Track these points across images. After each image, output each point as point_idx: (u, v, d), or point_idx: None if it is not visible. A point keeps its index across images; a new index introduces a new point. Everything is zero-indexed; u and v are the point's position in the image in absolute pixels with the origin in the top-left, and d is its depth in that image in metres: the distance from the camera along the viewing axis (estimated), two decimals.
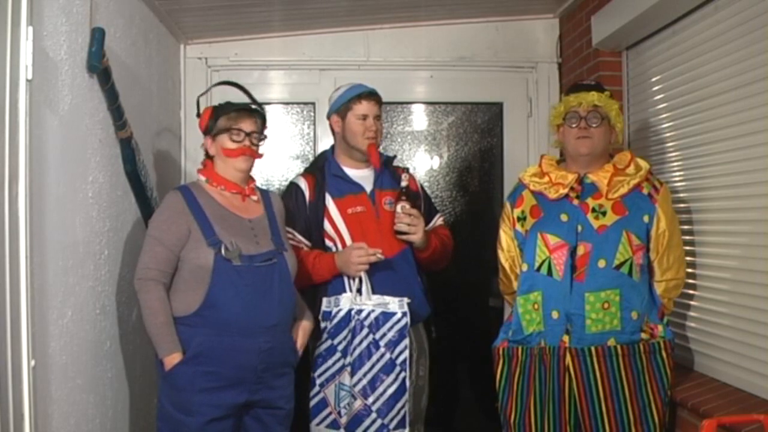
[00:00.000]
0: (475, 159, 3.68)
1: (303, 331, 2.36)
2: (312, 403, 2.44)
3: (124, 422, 2.43)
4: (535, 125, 3.54)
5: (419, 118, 3.66)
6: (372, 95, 2.57)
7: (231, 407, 2.14)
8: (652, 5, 2.48)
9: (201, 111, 2.31)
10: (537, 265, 2.30)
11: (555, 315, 2.25)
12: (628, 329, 2.21)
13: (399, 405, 2.39)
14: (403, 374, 2.40)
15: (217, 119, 2.24)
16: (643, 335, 2.23)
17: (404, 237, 2.49)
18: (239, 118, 2.24)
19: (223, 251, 2.12)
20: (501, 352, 2.38)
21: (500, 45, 3.54)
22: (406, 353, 2.42)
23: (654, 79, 2.81)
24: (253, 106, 2.33)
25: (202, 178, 2.28)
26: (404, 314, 2.41)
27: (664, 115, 2.72)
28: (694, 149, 2.50)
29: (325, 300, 2.46)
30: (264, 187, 2.45)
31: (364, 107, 2.54)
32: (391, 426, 2.37)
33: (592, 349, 2.20)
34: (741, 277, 2.25)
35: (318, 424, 2.44)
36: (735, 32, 2.25)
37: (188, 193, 2.21)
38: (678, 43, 2.61)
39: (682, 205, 2.55)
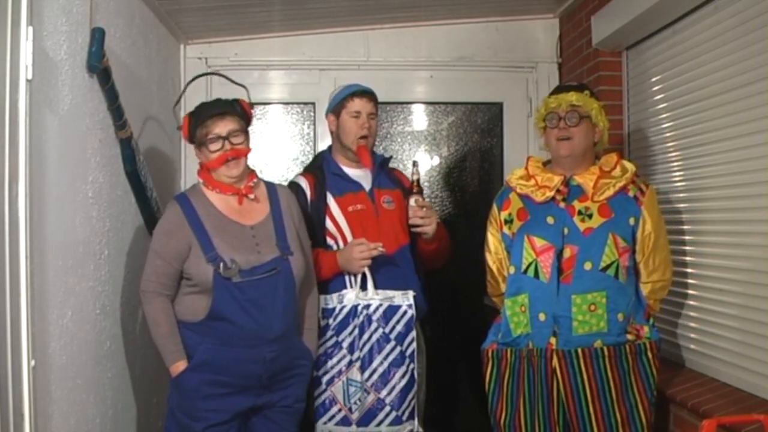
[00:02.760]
0: (475, 159, 3.68)
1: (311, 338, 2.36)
2: (318, 402, 2.42)
3: (124, 422, 2.43)
4: (535, 125, 3.54)
5: (419, 118, 3.66)
6: (365, 93, 2.57)
7: (235, 412, 2.15)
8: (652, 5, 2.48)
9: (179, 125, 2.23)
10: (524, 267, 2.30)
11: (542, 317, 2.24)
12: (615, 331, 2.21)
13: (410, 396, 2.43)
14: (412, 366, 2.44)
15: (195, 128, 2.18)
16: (629, 336, 2.22)
17: (418, 230, 2.50)
18: (212, 123, 2.16)
19: (221, 269, 2.09)
20: (490, 354, 2.38)
21: (500, 45, 3.54)
22: (414, 345, 2.46)
23: (654, 79, 2.81)
24: (224, 100, 2.23)
25: (202, 181, 2.26)
26: (410, 306, 2.45)
27: (664, 115, 2.72)
28: (694, 149, 2.50)
29: (323, 297, 2.46)
30: (270, 182, 2.41)
31: (356, 104, 2.55)
32: (404, 417, 2.41)
33: (579, 350, 2.20)
34: (741, 277, 2.25)
35: (326, 423, 2.42)
36: (735, 32, 2.25)
37: (186, 204, 2.18)
38: (678, 43, 2.61)
39: (681, 205, 2.55)
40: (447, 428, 3.61)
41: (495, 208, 2.48)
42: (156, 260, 2.15)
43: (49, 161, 1.85)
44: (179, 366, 2.10)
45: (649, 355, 2.22)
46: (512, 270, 2.35)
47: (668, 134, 2.69)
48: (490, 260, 2.49)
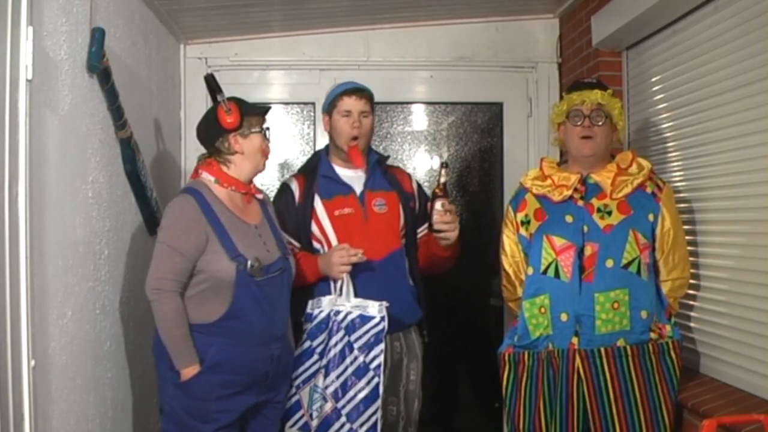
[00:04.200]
0: (475, 159, 3.68)
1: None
2: (288, 404, 2.38)
3: (124, 422, 2.43)
4: (535, 125, 3.54)
5: (419, 118, 3.66)
6: (356, 91, 2.50)
7: (242, 411, 2.16)
8: (652, 5, 2.48)
9: (226, 108, 2.16)
10: (543, 268, 2.28)
11: (564, 317, 2.23)
12: (638, 329, 2.20)
13: (370, 411, 2.30)
14: (376, 380, 2.32)
15: (245, 116, 2.19)
16: (652, 335, 2.22)
17: (442, 235, 2.41)
18: (262, 118, 2.25)
19: (248, 267, 2.09)
20: (507, 358, 2.36)
21: (500, 45, 3.54)
22: (381, 358, 2.33)
23: (654, 79, 2.81)
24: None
25: (211, 177, 2.21)
26: (382, 319, 2.33)
27: (665, 115, 2.72)
28: (695, 149, 2.50)
29: (309, 302, 2.43)
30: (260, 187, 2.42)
31: (346, 103, 2.48)
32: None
33: (602, 350, 2.19)
34: (741, 277, 2.25)
35: (291, 426, 2.38)
36: (735, 32, 2.25)
37: (201, 199, 2.14)
38: (678, 43, 2.61)
39: (682, 205, 2.55)
40: (447, 428, 3.61)
41: (510, 210, 2.45)
42: (175, 257, 2.06)
43: (49, 161, 1.85)
44: (193, 369, 2.06)
45: (672, 354, 2.22)
46: (530, 271, 2.33)
47: (668, 134, 2.69)
48: (506, 264, 2.46)
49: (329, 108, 2.55)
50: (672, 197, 2.32)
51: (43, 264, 1.81)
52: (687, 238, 2.47)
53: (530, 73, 3.57)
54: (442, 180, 2.41)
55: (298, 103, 3.56)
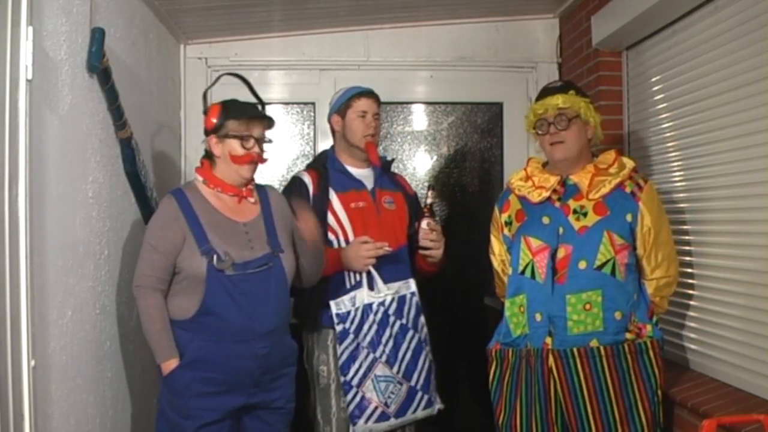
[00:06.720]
0: (474, 159, 3.68)
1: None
2: (352, 406, 2.42)
3: (124, 422, 2.43)
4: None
5: (419, 118, 3.66)
6: (372, 94, 2.64)
7: (228, 411, 2.15)
8: (652, 5, 2.48)
9: (207, 107, 2.24)
10: (521, 268, 2.30)
11: (538, 317, 2.24)
12: (612, 330, 2.19)
13: (432, 377, 2.52)
14: (427, 348, 2.53)
15: (226, 120, 2.18)
16: (629, 335, 2.20)
17: (427, 252, 2.54)
18: (251, 123, 2.20)
19: (215, 261, 2.10)
20: (494, 353, 2.38)
21: (500, 45, 3.54)
22: (426, 329, 2.55)
23: (654, 79, 2.81)
24: (262, 110, 2.30)
25: (200, 178, 2.26)
26: (413, 294, 2.51)
27: (664, 115, 2.72)
28: (694, 149, 2.50)
29: (334, 304, 2.45)
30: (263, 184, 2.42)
31: (363, 104, 2.60)
32: (432, 398, 2.52)
33: (575, 350, 2.19)
34: (741, 277, 2.25)
35: (366, 422, 2.43)
36: (735, 32, 2.25)
37: (182, 198, 2.18)
38: (678, 43, 2.61)
39: (681, 205, 2.55)
40: (447, 428, 3.60)
41: (496, 210, 2.49)
42: (153, 254, 2.14)
43: (49, 161, 1.85)
44: (171, 363, 2.10)
45: (651, 354, 2.21)
46: (511, 271, 2.35)
47: (668, 134, 2.69)
48: (495, 262, 2.50)
49: (342, 109, 2.62)
50: (653, 196, 2.29)
51: (43, 264, 1.81)
52: (685, 237, 2.47)
53: (530, 73, 3.57)
54: (429, 201, 2.54)
55: (298, 103, 3.56)
